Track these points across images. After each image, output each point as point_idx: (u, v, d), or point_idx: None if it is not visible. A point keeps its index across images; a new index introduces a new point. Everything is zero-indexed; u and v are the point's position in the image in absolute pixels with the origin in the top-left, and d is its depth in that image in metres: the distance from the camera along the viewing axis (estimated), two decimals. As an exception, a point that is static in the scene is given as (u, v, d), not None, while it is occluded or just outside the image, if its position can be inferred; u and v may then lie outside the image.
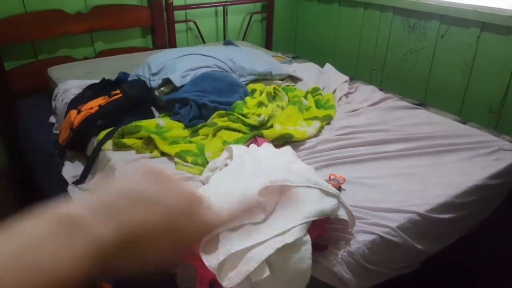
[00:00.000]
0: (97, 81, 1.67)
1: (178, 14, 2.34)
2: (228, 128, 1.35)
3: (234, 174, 1.00)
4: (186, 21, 2.41)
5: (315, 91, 1.69)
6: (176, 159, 1.22)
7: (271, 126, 1.39)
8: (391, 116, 1.50)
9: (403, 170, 1.19)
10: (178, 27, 2.38)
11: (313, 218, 0.80)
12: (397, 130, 1.39)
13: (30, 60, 2.00)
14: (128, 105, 1.45)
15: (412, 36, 2.12)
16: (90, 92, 1.56)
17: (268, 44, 2.75)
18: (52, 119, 1.71)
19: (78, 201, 0.28)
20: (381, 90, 1.76)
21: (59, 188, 1.31)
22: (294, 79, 1.86)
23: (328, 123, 1.48)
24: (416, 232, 1.00)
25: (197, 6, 2.38)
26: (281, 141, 1.30)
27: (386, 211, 1.01)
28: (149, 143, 1.28)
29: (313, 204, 0.82)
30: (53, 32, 1.96)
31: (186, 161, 1.21)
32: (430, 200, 1.06)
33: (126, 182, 0.30)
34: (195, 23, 2.43)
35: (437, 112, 1.62)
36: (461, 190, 1.10)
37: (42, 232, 0.24)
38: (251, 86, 1.68)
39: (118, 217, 0.27)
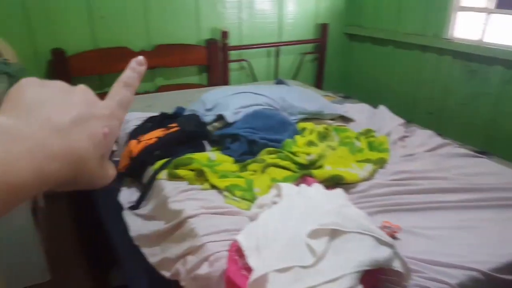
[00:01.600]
0: (156, 113, 1.77)
1: (233, 54, 2.46)
2: (276, 165, 1.36)
3: (283, 213, 0.99)
4: (240, 60, 2.52)
5: (367, 132, 1.66)
6: (225, 193, 1.23)
7: (321, 166, 1.38)
8: (450, 164, 1.42)
9: (464, 222, 1.11)
10: (232, 65, 2.50)
11: (366, 268, 0.76)
12: (457, 179, 1.31)
13: (97, 92, 2.17)
14: (184, 138, 1.52)
15: (473, 81, 2.04)
16: (150, 124, 1.65)
17: (319, 83, 2.78)
18: (113, 146, 1.82)
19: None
20: (439, 135, 1.68)
21: (115, 211, 1.37)
22: (345, 119, 1.85)
23: (382, 167, 1.43)
24: (479, 292, 0.91)
25: (251, 46, 2.49)
26: (331, 183, 1.27)
27: (445, 265, 0.93)
28: (200, 175, 1.31)
29: (366, 252, 0.78)
30: (118, 67, 2.12)
31: (235, 195, 1.22)
32: (495, 258, 0.97)
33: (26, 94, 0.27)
34: (248, 62, 2.53)
35: (501, 162, 1.50)
36: (532, 250, 1.00)
37: None
38: (301, 125, 1.69)
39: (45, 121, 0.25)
